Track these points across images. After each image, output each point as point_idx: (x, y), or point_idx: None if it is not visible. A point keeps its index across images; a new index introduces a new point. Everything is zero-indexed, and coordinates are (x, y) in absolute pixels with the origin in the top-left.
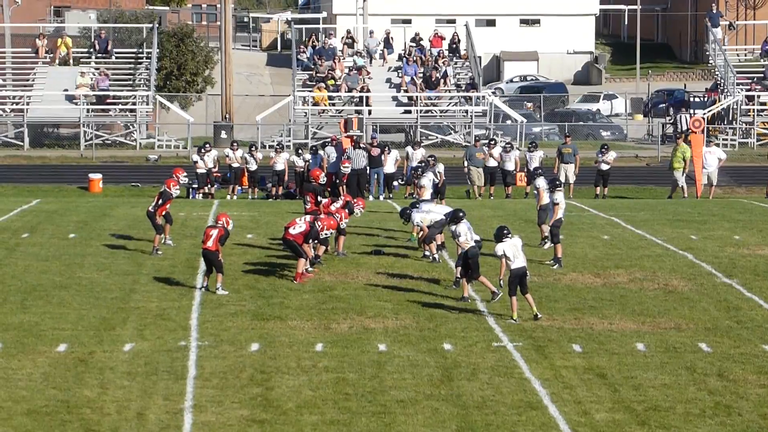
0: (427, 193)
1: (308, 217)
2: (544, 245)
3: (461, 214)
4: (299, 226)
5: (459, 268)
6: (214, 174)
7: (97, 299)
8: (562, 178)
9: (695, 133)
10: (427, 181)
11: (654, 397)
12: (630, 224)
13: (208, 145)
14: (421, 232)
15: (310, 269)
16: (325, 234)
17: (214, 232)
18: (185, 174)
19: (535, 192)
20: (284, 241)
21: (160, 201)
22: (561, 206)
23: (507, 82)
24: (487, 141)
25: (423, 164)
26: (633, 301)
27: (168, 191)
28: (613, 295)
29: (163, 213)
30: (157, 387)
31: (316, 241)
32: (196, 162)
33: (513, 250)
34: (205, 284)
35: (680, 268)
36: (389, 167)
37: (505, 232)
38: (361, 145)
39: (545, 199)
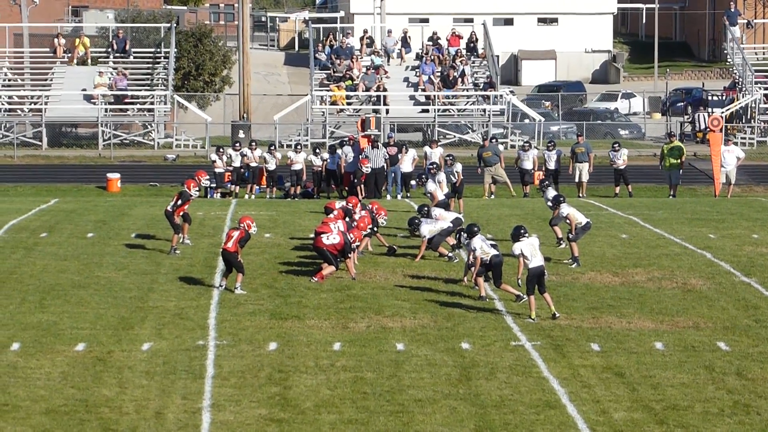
0: (440, 195)
1: (341, 225)
2: (561, 245)
3: (476, 228)
4: (333, 237)
5: (470, 270)
6: (241, 171)
7: (116, 298)
8: (576, 178)
9: (714, 131)
10: (433, 185)
11: (672, 396)
12: (648, 223)
13: (238, 144)
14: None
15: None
16: (357, 244)
17: (235, 234)
18: (207, 177)
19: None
20: (317, 249)
21: (179, 201)
22: (573, 215)
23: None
24: (522, 144)
25: (430, 167)
26: (651, 300)
27: (187, 192)
28: (632, 294)
29: (181, 213)
30: (176, 386)
31: (353, 253)
32: (214, 161)
33: (530, 249)
34: (223, 284)
35: (699, 267)
36: (406, 166)
37: (522, 231)
38: (379, 145)
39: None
